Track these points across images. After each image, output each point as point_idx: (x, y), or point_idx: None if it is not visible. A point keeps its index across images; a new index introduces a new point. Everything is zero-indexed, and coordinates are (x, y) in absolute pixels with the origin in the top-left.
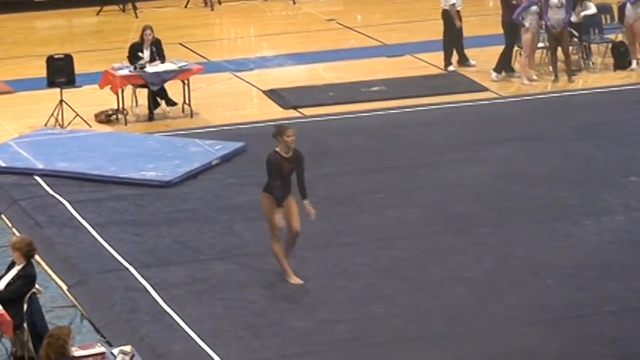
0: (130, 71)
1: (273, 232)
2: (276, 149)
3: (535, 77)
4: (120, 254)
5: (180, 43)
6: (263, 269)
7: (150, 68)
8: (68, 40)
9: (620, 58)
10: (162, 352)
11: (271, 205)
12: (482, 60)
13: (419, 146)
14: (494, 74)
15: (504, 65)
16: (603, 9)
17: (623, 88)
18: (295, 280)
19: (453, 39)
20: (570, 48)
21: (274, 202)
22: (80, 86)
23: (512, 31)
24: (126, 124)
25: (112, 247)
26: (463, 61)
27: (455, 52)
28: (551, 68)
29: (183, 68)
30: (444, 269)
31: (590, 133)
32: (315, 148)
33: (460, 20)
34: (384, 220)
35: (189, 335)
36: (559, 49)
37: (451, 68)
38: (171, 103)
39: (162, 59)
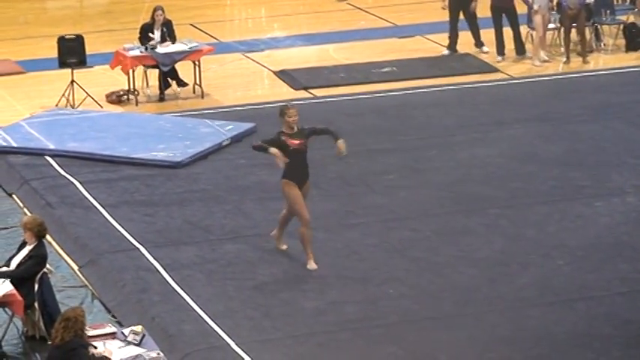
0: (140, 52)
1: (300, 218)
2: (282, 129)
3: (546, 58)
4: (131, 234)
5: (191, 24)
6: (273, 249)
7: (161, 49)
8: (79, 21)
9: (632, 40)
10: (173, 332)
11: (291, 188)
12: (493, 42)
13: (430, 127)
14: (498, 57)
15: (501, 47)
16: None
17: (635, 69)
18: (312, 265)
19: (468, 21)
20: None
21: (294, 185)
22: (91, 67)
23: (499, 15)
24: (137, 104)
25: (122, 227)
26: (479, 45)
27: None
28: (562, 49)
29: (194, 49)
30: (455, 250)
31: (601, 114)
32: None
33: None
34: (395, 200)
35: (200, 315)
36: (572, 30)
37: (445, 52)
38: (182, 83)
39: (173, 40)
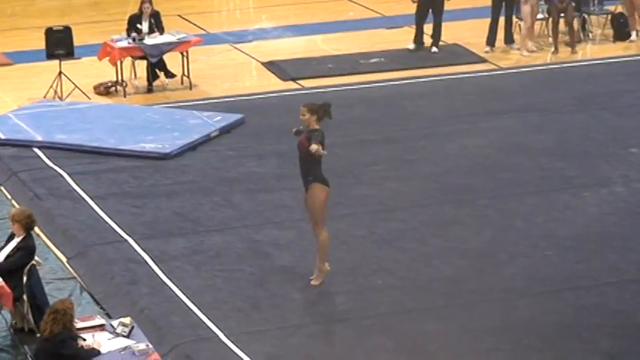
0: (129, 43)
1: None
2: None
3: (534, 49)
4: (119, 226)
5: (179, 15)
6: (262, 241)
7: (149, 40)
8: (67, 12)
9: (620, 30)
10: (162, 323)
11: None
12: (482, 32)
13: (418, 118)
14: (486, 47)
15: (493, 38)
16: None
17: (623, 59)
18: (316, 280)
19: (435, 19)
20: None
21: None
22: (79, 58)
23: (498, 4)
24: (125, 95)
25: (111, 219)
26: (435, 44)
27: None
28: (550, 40)
29: (182, 40)
30: (444, 241)
31: (589, 104)
32: None
33: None
34: (383, 191)
35: (189, 307)
36: (561, 20)
37: (410, 47)
38: (170, 75)
39: (161, 31)
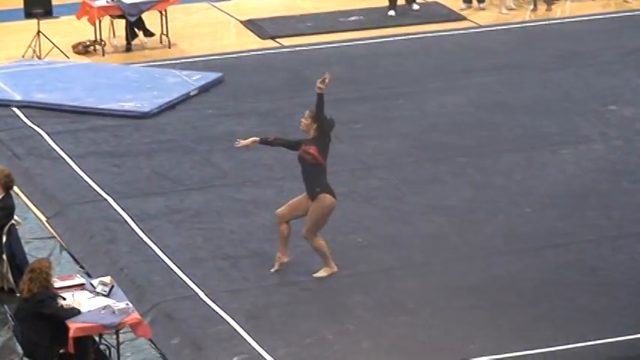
0: (107, 2)
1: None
2: None
3: (513, 6)
4: (98, 185)
5: None
6: (242, 199)
7: None
8: None
9: None
10: (142, 282)
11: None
12: None
13: (397, 76)
14: (463, 4)
15: None
16: None
17: (602, 16)
18: (321, 273)
19: None
20: None
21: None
22: (58, 17)
23: None
24: (103, 55)
25: (90, 178)
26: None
27: None
28: None
29: None
30: (423, 199)
31: (568, 62)
32: (294, 78)
33: None
34: (363, 149)
35: (169, 266)
36: None
37: (391, 13)
38: (148, 33)
39: None
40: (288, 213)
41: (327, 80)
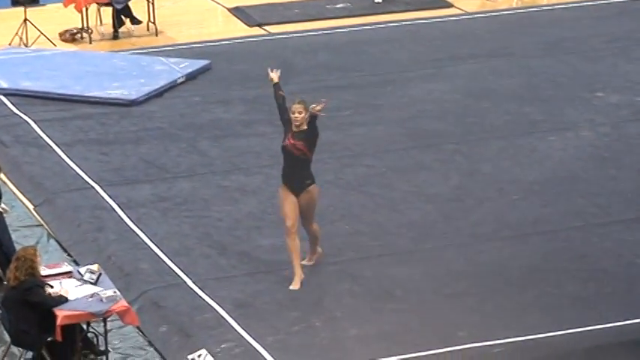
0: None
1: (284, 224)
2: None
3: None
4: (86, 173)
5: None
6: (229, 187)
7: None
8: None
9: None
10: (129, 270)
11: (281, 191)
12: None
13: (384, 63)
14: None
15: None
16: None
17: (589, 3)
18: (295, 285)
19: None
20: None
21: (285, 188)
22: (44, 5)
23: None
24: (90, 42)
25: (78, 166)
26: None
27: None
28: None
29: None
30: (410, 186)
31: (555, 49)
32: (280, 65)
33: None
34: (350, 137)
35: (156, 253)
36: None
37: (377, 0)
38: (135, 21)
39: None
40: (296, 219)
41: (322, 106)
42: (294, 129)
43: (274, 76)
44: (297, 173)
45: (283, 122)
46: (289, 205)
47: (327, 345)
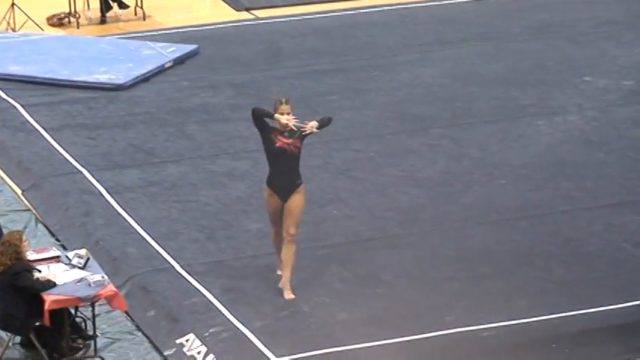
0: None
1: (272, 231)
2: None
3: None
4: (74, 158)
5: None
6: (217, 171)
7: None
8: None
9: None
10: (117, 255)
11: (268, 195)
12: None
13: (372, 47)
14: None
15: None
16: None
17: None
18: (289, 295)
19: None
20: None
21: (271, 193)
22: None
23: None
24: (78, 27)
25: (65, 150)
26: None
27: None
28: None
29: None
30: (399, 170)
31: (544, 33)
32: (268, 50)
33: None
34: (338, 121)
35: (144, 238)
36: None
37: None
38: (123, 5)
39: None
40: (280, 226)
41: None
42: (282, 129)
43: (290, 124)
44: (290, 173)
45: (261, 128)
46: (271, 211)
47: (315, 330)
